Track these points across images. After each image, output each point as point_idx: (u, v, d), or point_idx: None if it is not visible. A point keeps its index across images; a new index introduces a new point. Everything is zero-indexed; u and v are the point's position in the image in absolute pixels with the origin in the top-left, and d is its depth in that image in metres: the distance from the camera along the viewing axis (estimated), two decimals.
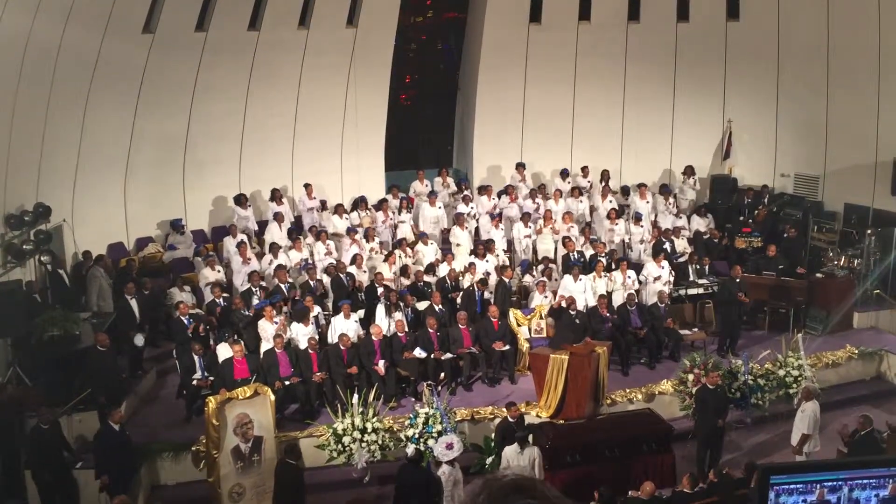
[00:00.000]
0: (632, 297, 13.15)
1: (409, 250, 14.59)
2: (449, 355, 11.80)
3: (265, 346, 11.63)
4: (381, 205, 16.12)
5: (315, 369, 11.21)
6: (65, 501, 9.40)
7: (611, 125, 18.27)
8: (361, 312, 12.71)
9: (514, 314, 12.84)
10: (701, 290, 13.74)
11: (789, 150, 17.38)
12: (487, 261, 14.11)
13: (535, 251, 15.57)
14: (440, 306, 12.54)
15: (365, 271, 13.86)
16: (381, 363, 11.45)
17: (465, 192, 16.69)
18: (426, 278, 13.79)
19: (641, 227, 15.47)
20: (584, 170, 17.58)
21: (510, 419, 10.01)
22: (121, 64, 13.97)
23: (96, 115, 13.94)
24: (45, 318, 10.82)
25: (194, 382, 11.05)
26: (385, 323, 12.25)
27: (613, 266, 13.92)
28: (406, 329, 12.00)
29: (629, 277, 13.64)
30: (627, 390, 11.61)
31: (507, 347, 12.09)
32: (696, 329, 13.18)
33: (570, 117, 18.26)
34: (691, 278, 13.98)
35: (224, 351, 11.31)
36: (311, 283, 13.21)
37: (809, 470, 3.89)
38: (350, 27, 16.60)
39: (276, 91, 16.30)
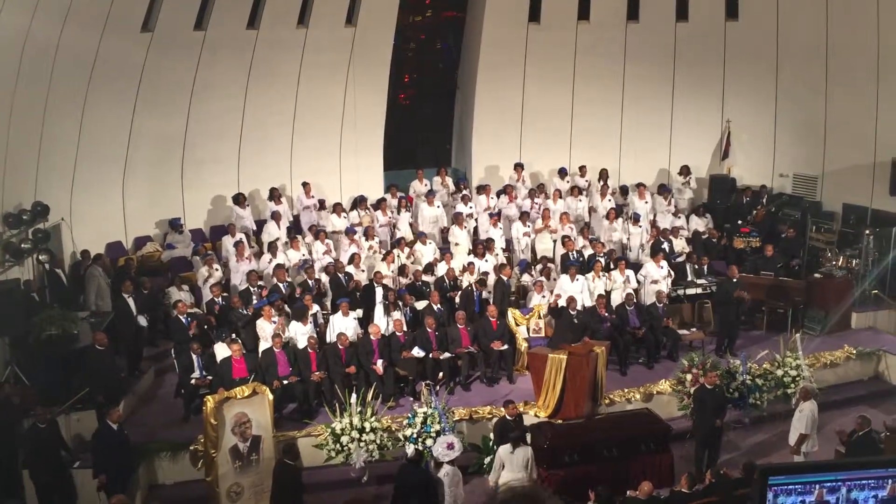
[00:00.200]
0: (630, 296, 13.16)
1: (407, 249, 14.58)
2: (447, 355, 11.80)
3: (263, 345, 11.62)
4: (380, 204, 16.13)
5: (314, 368, 11.21)
6: (62, 501, 9.36)
7: (610, 125, 18.28)
8: (360, 311, 12.70)
9: (512, 314, 12.85)
10: (699, 290, 13.72)
11: (788, 150, 17.39)
12: (486, 260, 14.10)
13: (533, 251, 15.57)
14: (438, 306, 12.53)
15: (363, 270, 13.85)
16: (380, 363, 11.44)
17: (464, 192, 16.70)
18: (425, 278, 13.77)
19: (640, 227, 15.47)
20: (583, 169, 17.58)
21: (508, 417, 10.01)
22: (119, 62, 13.96)
23: (95, 114, 13.93)
24: (44, 318, 10.80)
25: (192, 381, 11.02)
26: (383, 322, 12.24)
27: (612, 266, 13.93)
28: (404, 328, 11.99)
29: (627, 278, 13.63)
30: (626, 390, 11.60)
31: (506, 347, 12.08)
32: (694, 329, 13.16)
33: (569, 117, 18.25)
34: (690, 278, 13.97)
35: (222, 350, 11.30)
36: (310, 282, 13.21)
37: (808, 471, 3.90)
38: (349, 26, 16.59)
39: (274, 90, 16.29)
